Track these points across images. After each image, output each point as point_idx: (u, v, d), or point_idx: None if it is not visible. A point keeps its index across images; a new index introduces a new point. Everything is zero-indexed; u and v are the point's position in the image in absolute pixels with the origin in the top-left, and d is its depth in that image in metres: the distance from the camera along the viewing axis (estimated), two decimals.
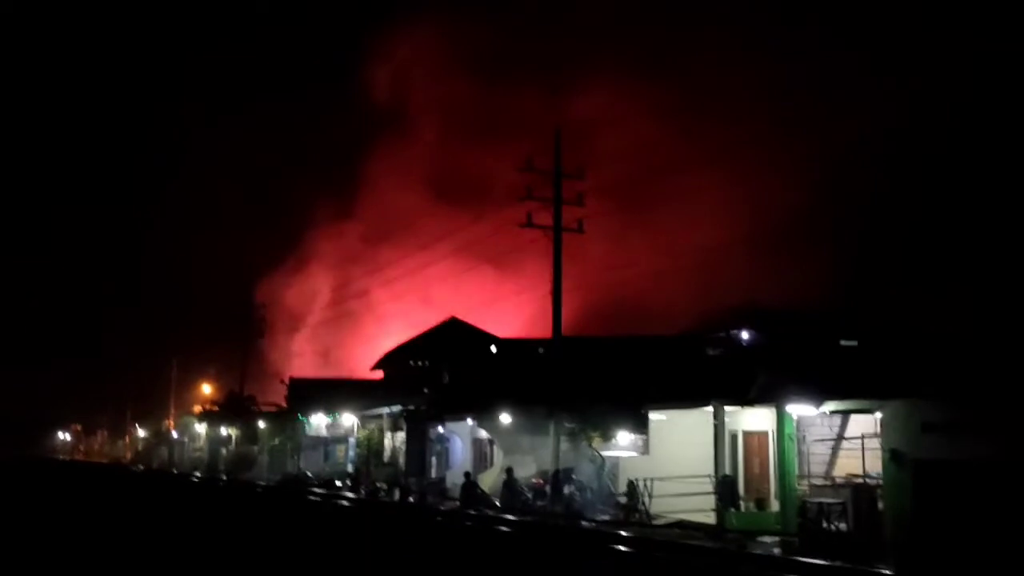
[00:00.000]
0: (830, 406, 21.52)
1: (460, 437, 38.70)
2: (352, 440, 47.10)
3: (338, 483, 41.93)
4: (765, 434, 27.10)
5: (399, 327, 66.26)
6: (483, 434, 36.96)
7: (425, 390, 46.12)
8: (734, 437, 27.15)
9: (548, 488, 30.31)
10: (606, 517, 27.55)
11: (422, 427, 40.16)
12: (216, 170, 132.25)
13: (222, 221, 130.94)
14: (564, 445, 30.50)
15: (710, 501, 25.67)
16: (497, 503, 30.50)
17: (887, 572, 16.80)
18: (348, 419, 46.20)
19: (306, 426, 50.77)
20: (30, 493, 41.29)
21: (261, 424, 57.26)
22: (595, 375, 31.89)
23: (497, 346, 43.44)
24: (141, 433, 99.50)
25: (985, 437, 17.93)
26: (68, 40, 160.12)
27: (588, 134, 61.68)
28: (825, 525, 19.79)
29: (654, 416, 28.78)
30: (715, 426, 25.09)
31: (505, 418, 32.57)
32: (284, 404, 62.09)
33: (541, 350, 38.43)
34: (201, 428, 70.43)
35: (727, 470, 25.08)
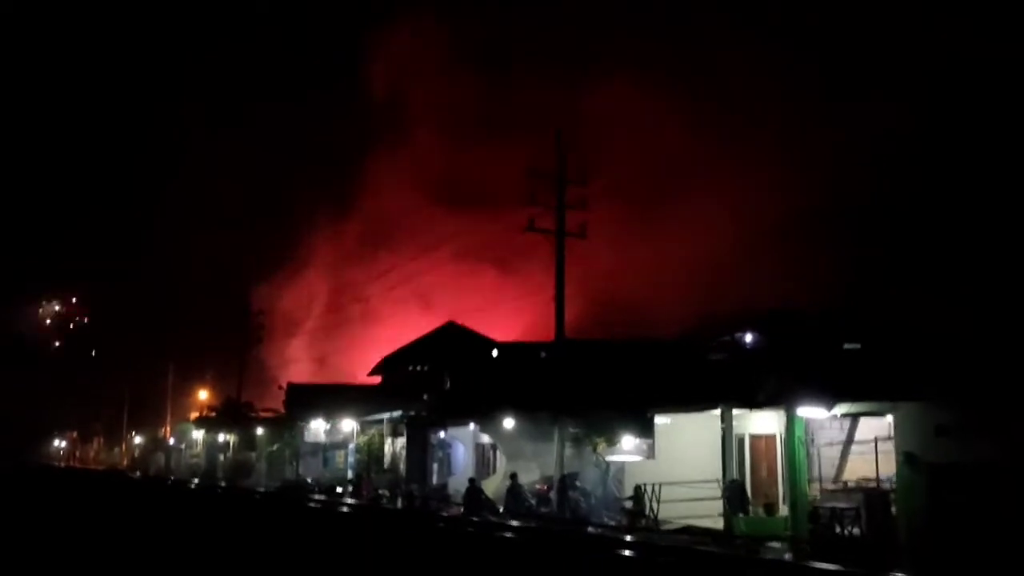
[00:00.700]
0: (842, 409, 21.24)
1: (462, 443, 38.36)
2: (352, 446, 46.74)
3: (339, 489, 41.56)
4: (773, 437, 26.88)
5: (396, 332, 65.84)
6: (485, 439, 36.63)
7: (425, 395, 45.84)
8: (741, 441, 26.88)
9: (552, 494, 30.02)
10: (612, 523, 27.23)
11: (423, 433, 39.86)
12: (213, 173, 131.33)
13: (218, 225, 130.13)
14: (568, 450, 30.20)
15: (717, 506, 25.40)
16: (500, 509, 30.15)
17: None
18: (348, 425, 45.85)
19: (305, 432, 50.47)
20: (28, 502, 40.87)
21: (259, 430, 56.88)
22: (599, 379, 31.56)
23: (499, 350, 43.08)
24: (137, 440, 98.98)
25: (1000, 440, 17.68)
26: (65, 39, 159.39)
27: (594, 132, 61.40)
28: (838, 530, 19.50)
29: (659, 420, 28.49)
30: (723, 430, 24.79)
31: (509, 423, 32.25)
32: (282, 410, 61.78)
33: (543, 354, 38.14)
34: (198, 435, 70.02)
35: (734, 474, 24.80)
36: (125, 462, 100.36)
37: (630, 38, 75.21)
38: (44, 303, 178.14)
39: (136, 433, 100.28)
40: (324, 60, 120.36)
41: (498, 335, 54.11)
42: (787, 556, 19.98)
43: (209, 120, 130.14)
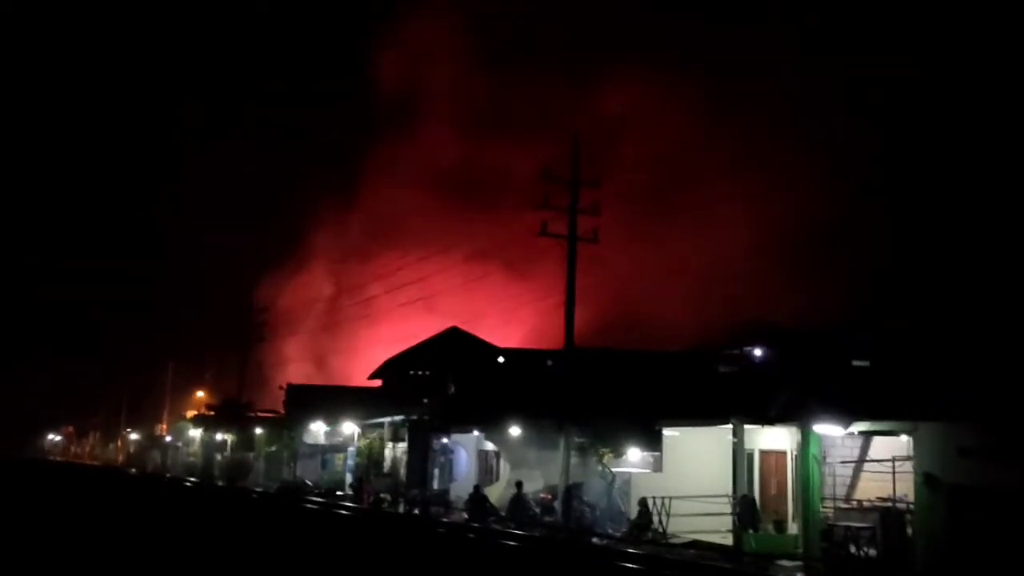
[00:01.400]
0: (859, 427, 20.83)
1: (465, 449, 37.93)
2: (352, 449, 46.32)
3: (339, 492, 41.15)
4: (783, 454, 26.46)
5: (397, 335, 65.40)
6: (489, 446, 36.21)
7: (427, 400, 45.43)
8: (750, 456, 26.42)
9: (557, 503, 29.61)
10: (617, 535, 26.80)
11: (425, 437, 39.44)
12: (214, 170, 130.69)
13: (220, 222, 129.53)
14: (573, 460, 29.79)
15: (725, 521, 25.00)
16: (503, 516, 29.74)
17: None
18: (348, 427, 45.42)
19: (304, 433, 50.05)
20: (22, 495, 40.40)
21: (258, 430, 56.42)
22: (606, 389, 31.19)
23: (504, 357, 42.69)
24: (133, 436, 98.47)
25: None
26: (66, 34, 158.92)
27: (607, 133, 61.05)
28: (853, 550, 19.08)
29: (667, 433, 28.10)
30: (734, 444, 24.37)
31: (514, 431, 31.85)
32: (281, 410, 61.35)
33: (550, 362, 37.76)
34: (196, 433, 69.53)
35: (745, 490, 24.38)
36: (121, 459, 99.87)
37: (646, 38, 74.67)
38: (41, 303, 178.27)
39: (132, 430, 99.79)
40: (330, 51, 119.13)
41: (500, 341, 53.76)
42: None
43: (210, 117, 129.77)
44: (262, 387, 70.36)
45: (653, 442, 28.70)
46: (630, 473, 29.36)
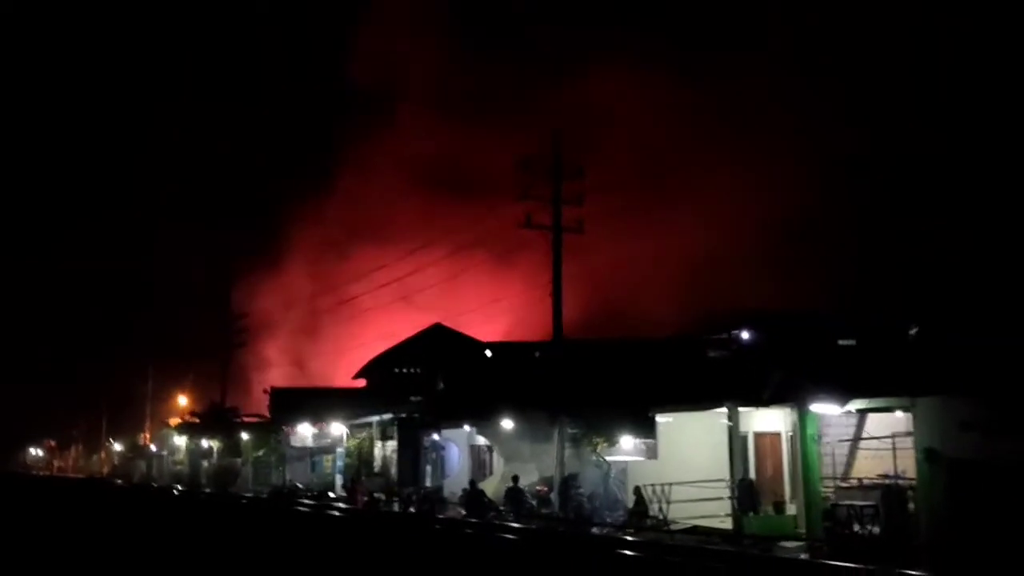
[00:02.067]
0: (857, 404, 20.79)
1: (456, 444, 37.75)
2: (341, 450, 46.04)
3: (331, 494, 40.87)
4: (777, 435, 26.43)
5: (378, 334, 64.87)
6: (481, 441, 36.06)
7: (413, 397, 45.19)
8: (744, 439, 26.36)
9: (553, 495, 29.52)
10: (616, 524, 26.75)
11: (415, 435, 39.30)
12: (188, 169, 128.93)
13: (195, 223, 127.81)
14: (567, 451, 29.69)
15: (723, 506, 24.98)
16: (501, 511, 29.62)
17: None
18: (337, 429, 45.14)
19: (291, 437, 49.73)
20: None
21: (244, 436, 55.98)
22: (598, 378, 31.13)
23: (492, 350, 42.55)
24: (117, 447, 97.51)
25: None
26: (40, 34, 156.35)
27: (590, 121, 60.74)
28: (857, 528, 19.07)
29: (660, 419, 28.03)
30: (730, 428, 24.35)
31: (507, 424, 31.71)
32: (265, 414, 60.93)
33: (538, 354, 37.66)
34: (181, 441, 68.93)
35: (742, 473, 24.36)
36: (105, 470, 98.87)
37: (632, 27, 74.16)
38: (17, 313, 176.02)
39: (115, 440, 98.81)
40: (303, 39, 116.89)
41: (482, 334, 53.52)
42: (803, 557, 19.64)
43: (181, 113, 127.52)
44: (244, 391, 69.82)
45: (647, 429, 28.64)
46: (626, 462, 29.31)
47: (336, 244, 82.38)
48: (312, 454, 50.63)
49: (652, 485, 25.11)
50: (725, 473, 25.77)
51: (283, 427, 50.10)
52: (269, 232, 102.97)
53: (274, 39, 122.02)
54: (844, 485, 22.26)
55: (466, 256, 52.70)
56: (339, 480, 45.56)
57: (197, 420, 63.21)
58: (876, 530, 19.09)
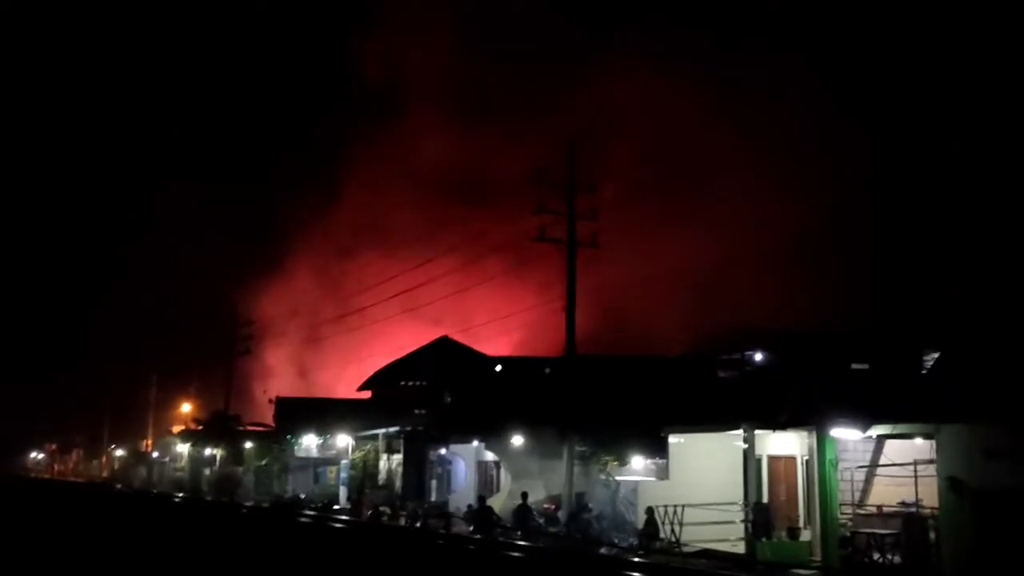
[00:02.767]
0: (878, 430, 20.35)
1: (463, 459, 37.29)
2: (345, 462, 45.59)
3: (336, 506, 40.42)
4: (792, 459, 25.98)
5: (383, 346, 64.44)
6: (488, 456, 35.60)
7: (417, 411, 44.75)
8: (758, 462, 25.94)
9: (561, 513, 29.06)
10: (625, 544, 26.26)
11: (421, 449, 38.86)
12: (194, 174, 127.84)
13: (201, 230, 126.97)
14: (575, 469, 29.26)
15: (734, 530, 24.52)
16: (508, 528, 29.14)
17: None
18: (342, 440, 44.70)
19: (295, 447, 49.29)
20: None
21: (247, 444, 55.53)
22: (609, 396, 30.72)
23: (502, 365, 42.09)
24: (118, 452, 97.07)
25: None
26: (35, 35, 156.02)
27: (603, 130, 60.21)
28: (877, 557, 18.59)
29: (671, 439, 27.60)
30: (745, 451, 23.89)
31: (516, 440, 31.27)
32: (269, 423, 60.48)
33: (548, 369, 37.23)
34: (183, 448, 68.47)
35: (756, 496, 23.89)
36: (105, 475, 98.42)
37: (647, 32, 73.23)
38: (20, 317, 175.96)
39: (117, 446, 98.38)
40: (309, 39, 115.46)
41: (489, 348, 53.05)
42: None
43: (184, 114, 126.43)
44: (246, 399, 69.30)
45: (658, 449, 28.23)
46: (636, 481, 28.86)
47: (342, 252, 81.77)
48: (316, 465, 50.20)
49: (664, 506, 24.55)
50: (736, 496, 25.29)
51: (289, 437, 49.59)
52: (274, 239, 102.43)
53: (279, 40, 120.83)
54: (863, 512, 21.76)
55: (476, 269, 52.38)
56: (343, 492, 45.11)
57: (200, 428, 62.76)
58: (897, 559, 18.56)
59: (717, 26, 66.38)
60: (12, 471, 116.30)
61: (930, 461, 19.34)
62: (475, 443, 35.15)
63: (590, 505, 28.58)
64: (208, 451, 61.72)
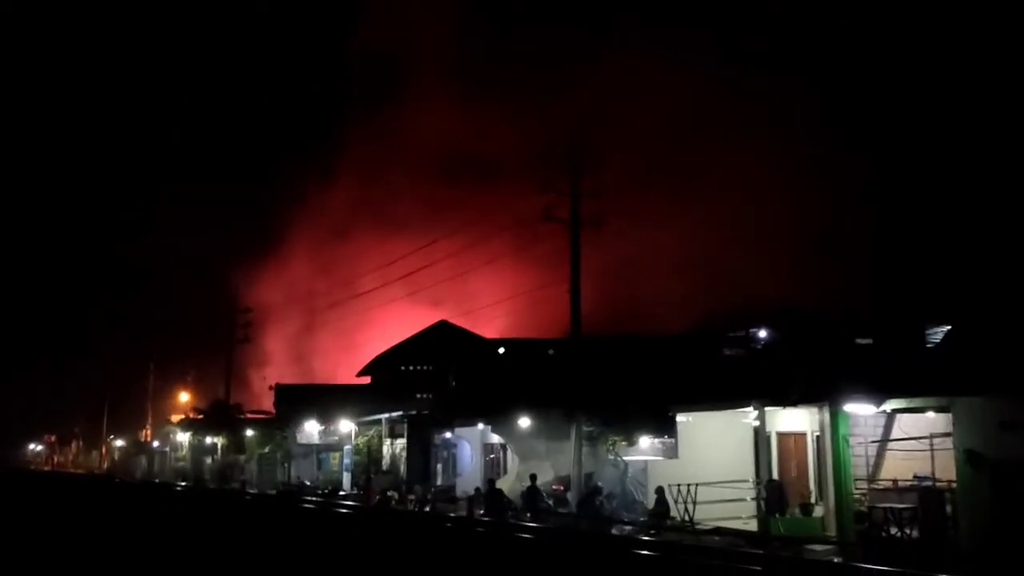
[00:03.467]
0: (892, 404, 20.27)
1: (469, 443, 37.22)
2: (348, 448, 45.52)
3: (341, 492, 40.35)
4: (803, 435, 25.91)
5: (381, 331, 64.30)
6: (494, 439, 35.50)
7: (422, 395, 44.73)
8: (768, 439, 25.91)
9: (570, 495, 29.02)
10: (636, 524, 26.23)
11: (426, 433, 38.78)
12: (190, 157, 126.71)
13: (197, 216, 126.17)
14: (583, 449, 29.18)
15: (746, 507, 24.51)
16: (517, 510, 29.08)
17: None
18: (345, 426, 44.60)
19: (297, 433, 49.21)
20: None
21: (249, 432, 55.40)
22: (615, 376, 30.62)
23: (505, 347, 42.01)
24: (118, 443, 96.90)
25: None
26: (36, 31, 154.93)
27: (609, 108, 59.78)
28: (894, 531, 18.54)
29: (679, 418, 27.53)
30: (756, 428, 23.81)
31: (522, 422, 31.16)
32: (267, 410, 60.39)
33: (551, 351, 37.17)
34: (183, 437, 68.34)
35: (766, 474, 23.85)
36: (105, 466, 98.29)
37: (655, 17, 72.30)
38: (15, 308, 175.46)
39: (116, 436, 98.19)
40: (307, 9, 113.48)
41: (486, 332, 52.97)
42: (836, 560, 19.12)
43: (179, 97, 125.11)
44: (243, 386, 69.06)
45: (667, 428, 28.16)
46: (644, 461, 28.82)
47: (339, 235, 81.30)
48: (318, 451, 50.13)
49: (677, 485, 24.48)
50: (746, 473, 25.29)
51: (290, 424, 49.50)
52: (270, 223, 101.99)
53: (279, 24, 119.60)
54: (878, 487, 21.71)
55: (477, 250, 52.08)
56: (347, 478, 45.07)
57: (200, 416, 62.60)
58: (915, 533, 18.52)
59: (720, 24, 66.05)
60: (11, 463, 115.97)
61: (946, 434, 19.28)
62: (480, 426, 35.03)
63: (600, 485, 28.48)
64: (209, 440, 61.57)
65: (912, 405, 20.24)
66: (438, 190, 73.98)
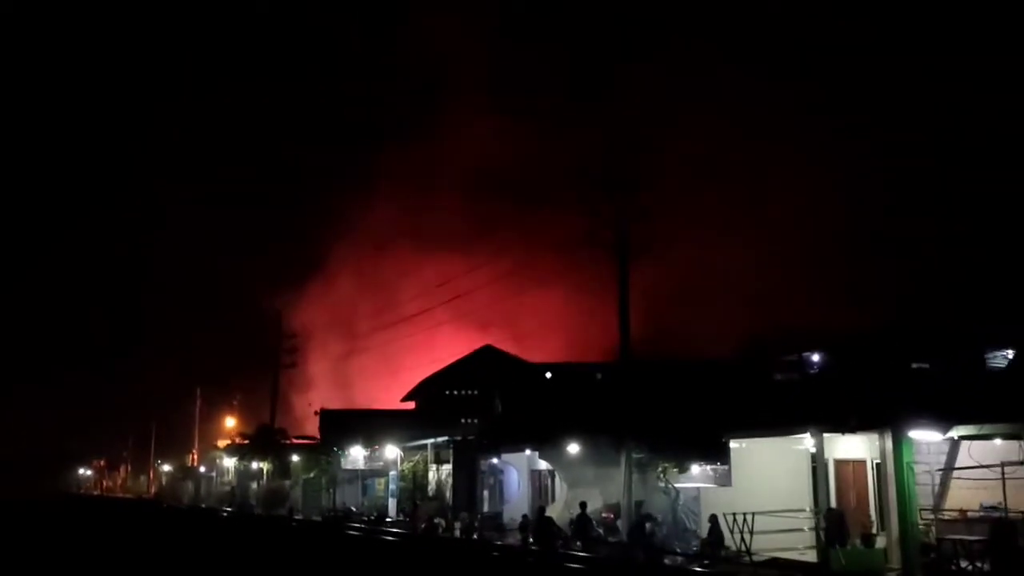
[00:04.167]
0: (961, 431, 19.45)
1: (516, 469, 36.65)
2: (394, 473, 45.17)
3: (388, 519, 39.94)
4: (862, 463, 25.11)
5: (425, 356, 64.03)
6: (542, 465, 34.90)
7: (467, 420, 44.31)
8: (824, 467, 25.10)
9: (620, 523, 28.37)
10: (689, 553, 25.48)
11: (472, 459, 38.24)
12: (232, 188, 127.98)
13: (241, 243, 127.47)
14: (633, 476, 28.53)
15: (803, 537, 23.73)
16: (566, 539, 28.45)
17: None
18: (391, 451, 44.26)
19: (342, 459, 48.97)
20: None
21: (294, 457, 55.33)
22: (665, 401, 29.96)
23: (551, 372, 41.50)
24: (165, 468, 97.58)
25: None
26: (62, 39, 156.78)
27: (650, 129, 59.37)
28: (964, 564, 17.71)
29: (732, 444, 26.79)
30: (814, 455, 23.07)
31: (571, 448, 30.56)
32: (311, 434, 60.38)
33: (599, 375, 36.60)
34: (229, 462, 68.49)
35: (827, 502, 23.05)
36: (153, 490, 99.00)
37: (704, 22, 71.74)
38: (66, 335, 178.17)
39: (163, 461, 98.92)
40: (352, 32, 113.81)
41: (531, 356, 52.51)
42: None
43: (220, 121, 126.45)
44: (287, 411, 69.09)
45: (718, 455, 27.41)
46: (697, 488, 28.08)
47: (379, 254, 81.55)
48: (363, 477, 49.85)
49: (732, 514, 23.72)
50: (803, 502, 24.53)
51: (336, 449, 49.30)
52: (316, 251, 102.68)
53: (313, 39, 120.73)
54: (945, 518, 20.82)
55: (524, 274, 51.73)
56: (392, 503, 44.68)
57: (246, 442, 62.70)
58: (986, 567, 17.68)
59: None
60: (60, 489, 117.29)
61: (1020, 463, 18.43)
62: (527, 452, 34.47)
63: (651, 513, 27.79)
64: (255, 465, 61.59)
65: (981, 432, 19.40)
66: (485, 213, 73.96)
